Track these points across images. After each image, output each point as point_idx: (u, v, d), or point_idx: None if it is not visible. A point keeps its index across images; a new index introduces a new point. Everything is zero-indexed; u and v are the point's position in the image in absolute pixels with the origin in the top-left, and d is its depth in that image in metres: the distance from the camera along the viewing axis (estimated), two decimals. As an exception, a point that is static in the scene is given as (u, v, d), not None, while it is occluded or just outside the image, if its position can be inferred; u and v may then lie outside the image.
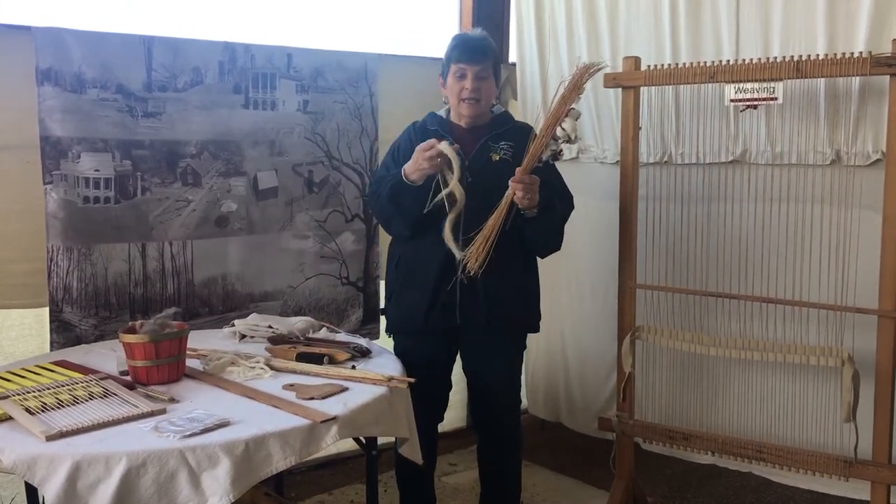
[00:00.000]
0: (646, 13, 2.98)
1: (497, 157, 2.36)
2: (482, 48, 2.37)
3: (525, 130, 2.48)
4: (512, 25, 3.44)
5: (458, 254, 2.27)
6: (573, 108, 2.24)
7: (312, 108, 2.87)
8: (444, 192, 2.26)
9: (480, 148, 2.38)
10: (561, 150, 2.30)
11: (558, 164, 2.44)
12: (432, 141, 2.26)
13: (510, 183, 2.21)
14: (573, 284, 3.35)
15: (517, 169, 2.21)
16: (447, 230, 2.27)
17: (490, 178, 2.31)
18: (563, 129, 2.22)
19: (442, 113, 2.48)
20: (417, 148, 2.27)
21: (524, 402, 3.64)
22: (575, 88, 2.25)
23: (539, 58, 3.34)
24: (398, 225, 2.40)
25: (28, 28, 2.34)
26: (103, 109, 2.45)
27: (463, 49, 2.36)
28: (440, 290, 2.34)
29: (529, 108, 3.41)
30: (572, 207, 2.47)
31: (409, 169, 2.29)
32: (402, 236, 2.44)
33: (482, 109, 2.40)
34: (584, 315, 3.33)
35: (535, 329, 2.56)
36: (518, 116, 2.68)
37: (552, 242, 2.44)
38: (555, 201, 2.35)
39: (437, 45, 3.27)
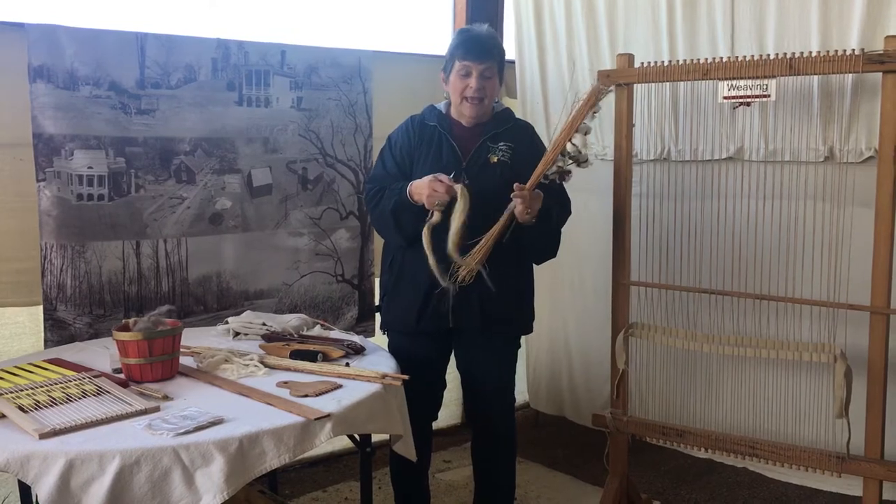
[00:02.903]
0: (643, 11, 2.99)
1: (495, 159, 2.34)
2: (489, 46, 2.33)
3: (525, 129, 2.47)
4: (511, 23, 3.44)
5: (441, 280, 2.24)
6: (582, 123, 2.24)
7: (306, 105, 2.87)
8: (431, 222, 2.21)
9: (479, 148, 2.36)
10: (569, 171, 2.28)
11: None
12: (448, 184, 2.19)
13: (512, 196, 2.20)
14: (576, 279, 3.36)
15: (516, 185, 2.19)
16: (431, 259, 2.23)
17: (487, 180, 2.30)
18: (574, 144, 2.23)
19: (441, 107, 2.44)
20: (432, 177, 2.21)
21: (525, 397, 3.65)
22: (587, 106, 2.26)
23: (539, 55, 3.34)
24: (396, 237, 2.37)
25: (21, 25, 2.33)
26: (96, 106, 2.44)
27: (469, 46, 2.31)
28: (432, 294, 2.33)
29: (529, 105, 3.41)
30: (569, 213, 2.47)
31: (415, 190, 2.25)
32: (397, 245, 2.41)
33: (485, 109, 2.37)
34: (587, 310, 3.34)
35: (529, 330, 2.55)
36: (518, 114, 2.68)
37: (548, 250, 2.44)
38: (553, 210, 2.33)
39: (431, 42, 3.27)
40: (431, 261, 2.23)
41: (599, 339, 3.24)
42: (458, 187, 2.19)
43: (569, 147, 2.24)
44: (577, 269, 3.32)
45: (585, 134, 2.26)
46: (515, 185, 2.20)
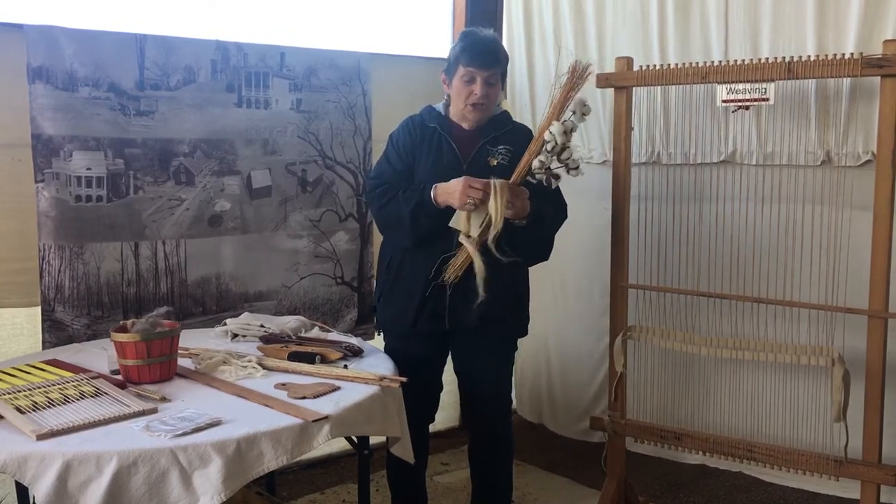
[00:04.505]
0: (633, 13, 2.99)
1: (495, 162, 2.33)
2: (494, 54, 2.32)
3: (523, 132, 2.46)
4: (503, 25, 3.44)
5: (482, 286, 2.23)
6: (567, 121, 2.20)
7: (305, 106, 2.87)
8: (492, 228, 2.18)
9: (479, 151, 2.35)
10: (556, 174, 2.23)
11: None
12: (484, 183, 2.17)
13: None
14: (558, 284, 3.36)
15: (501, 180, 2.19)
16: (478, 264, 2.21)
17: None
18: (552, 132, 2.18)
19: (440, 108, 2.43)
20: (465, 180, 2.19)
21: (514, 403, 3.65)
22: (565, 92, 2.22)
23: (527, 58, 3.35)
24: (407, 238, 2.33)
25: (20, 26, 2.33)
26: (95, 108, 2.44)
27: (474, 52, 2.29)
28: (429, 296, 2.32)
29: (518, 109, 3.41)
30: (565, 217, 2.43)
31: (442, 191, 2.24)
32: (401, 246, 2.40)
33: (487, 114, 2.37)
34: (570, 315, 3.34)
35: (524, 332, 2.54)
36: (510, 117, 2.69)
37: (540, 253, 2.42)
38: (546, 212, 2.31)
39: (430, 44, 3.27)
40: (478, 265, 2.21)
41: (581, 343, 3.24)
42: (496, 182, 2.18)
43: (546, 136, 2.19)
44: (560, 273, 3.30)
45: (571, 131, 2.21)
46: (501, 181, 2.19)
